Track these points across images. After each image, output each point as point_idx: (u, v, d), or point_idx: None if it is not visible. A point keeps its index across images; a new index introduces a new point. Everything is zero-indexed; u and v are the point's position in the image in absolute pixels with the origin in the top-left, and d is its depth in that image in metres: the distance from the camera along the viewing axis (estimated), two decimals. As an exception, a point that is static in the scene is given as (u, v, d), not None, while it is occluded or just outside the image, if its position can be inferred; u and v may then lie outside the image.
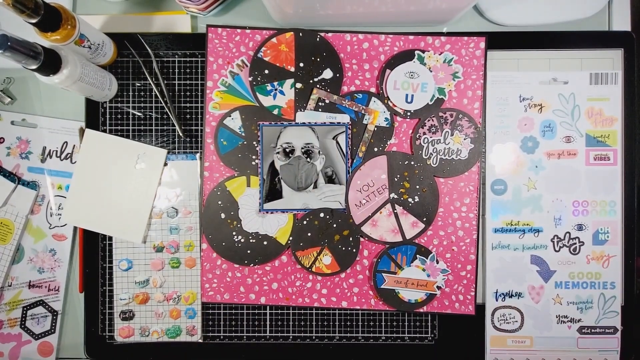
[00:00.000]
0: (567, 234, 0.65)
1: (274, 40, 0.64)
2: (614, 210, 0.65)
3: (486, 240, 0.65)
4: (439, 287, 0.64)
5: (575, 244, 0.65)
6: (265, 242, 0.64)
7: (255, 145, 0.64)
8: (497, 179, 0.65)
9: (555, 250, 0.65)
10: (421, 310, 0.64)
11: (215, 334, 0.65)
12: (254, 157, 0.64)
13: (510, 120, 0.65)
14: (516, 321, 0.65)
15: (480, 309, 0.65)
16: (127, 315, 0.65)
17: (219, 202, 0.64)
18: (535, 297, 0.65)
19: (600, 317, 0.65)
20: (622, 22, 0.67)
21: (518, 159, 0.65)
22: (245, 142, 0.64)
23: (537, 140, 0.65)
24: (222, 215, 0.64)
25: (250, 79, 0.64)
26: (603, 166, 0.65)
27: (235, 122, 0.64)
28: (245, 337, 0.66)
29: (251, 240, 0.64)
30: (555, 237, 0.65)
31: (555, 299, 0.65)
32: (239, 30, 0.64)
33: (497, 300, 0.65)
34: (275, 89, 0.64)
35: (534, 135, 0.65)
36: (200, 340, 0.65)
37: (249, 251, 0.64)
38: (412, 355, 0.66)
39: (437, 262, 0.64)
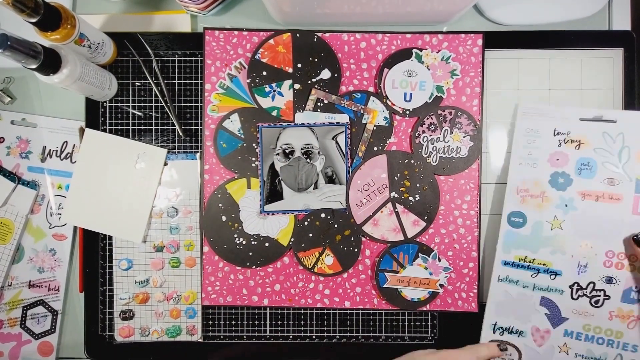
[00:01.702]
0: (592, 284, 0.57)
1: (271, 41, 0.64)
2: None
3: (492, 272, 0.61)
4: (441, 285, 0.64)
5: (599, 297, 0.57)
6: (266, 244, 0.64)
7: (255, 147, 0.64)
8: (516, 210, 0.60)
9: (573, 298, 0.58)
10: (424, 309, 0.64)
11: (215, 334, 0.65)
12: (253, 159, 0.64)
13: (539, 152, 0.60)
14: (512, 358, 0.60)
15: (482, 307, 0.65)
16: (127, 315, 0.65)
17: (220, 205, 0.64)
18: (538, 339, 0.60)
19: None
20: (622, 22, 0.67)
21: (544, 194, 0.59)
22: (244, 144, 0.64)
23: (571, 177, 0.58)
24: (223, 218, 0.64)
25: (248, 80, 0.64)
26: None
27: (234, 125, 0.64)
28: (245, 337, 0.65)
29: (253, 242, 0.64)
30: (576, 285, 0.58)
31: (562, 347, 0.59)
32: (236, 32, 0.64)
33: (494, 332, 0.61)
34: (274, 91, 0.64)
35: (568, 172, 0.58)
36: (200, 340, 0.65)
37: (250, 253, 0.64)
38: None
39: (439, 260, 0.64)
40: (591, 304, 0.58)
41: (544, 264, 0.59)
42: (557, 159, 0.58)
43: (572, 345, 0.58)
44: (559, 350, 0.59)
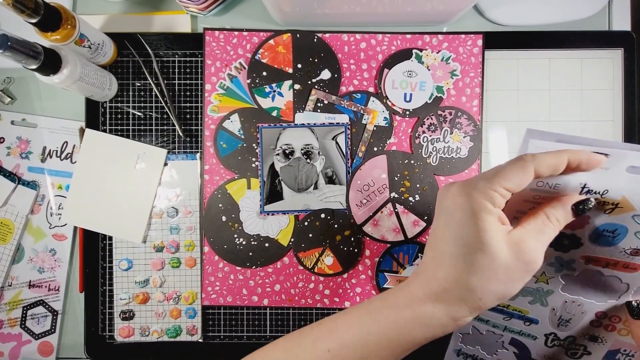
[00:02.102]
0: (571, 339, 0.46)
1: (271, 42, 0.64)
2: None
3: None
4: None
5: (577, 351, 0.47)
6: (266, 244, 0.64)
7: (255, 147, 0.64)
8: None
9: (547, 346, 0.48)
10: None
11: (216, 334, 0.65)
12: (253, 159, 0.64)
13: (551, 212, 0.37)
14: None
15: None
16: (127, 315, 0.65)
17: (220, 205, 0.64)
18: None
19: None
20: (622, 22, 0.67)
21: None
22: (244, 145, 0.64)
23: (582, 241, 0.39)
24: (223, 218, 0.64)
25: (248, 81, 0.64)
26: None
27: (234, 125, 0.64)
28: (245, 337, 0.65)
29: (253, 243, 0.64)
30: (553, 335, 0.47)
31: None
32: (236, 33, 0.64)
33: (457, 356, 0.53)
34: (274, 91, 0.64)
35: (579, 236, 0.39)
36: (200, 340, 0.65)
37: (250, 253, 0.64)
38: (411, 353, 0.65)
39: (438, 262, 0.64)
40: (567, 355, 0.47)
41: (519, 311, 0.48)
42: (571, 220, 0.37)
43: None
44: None
